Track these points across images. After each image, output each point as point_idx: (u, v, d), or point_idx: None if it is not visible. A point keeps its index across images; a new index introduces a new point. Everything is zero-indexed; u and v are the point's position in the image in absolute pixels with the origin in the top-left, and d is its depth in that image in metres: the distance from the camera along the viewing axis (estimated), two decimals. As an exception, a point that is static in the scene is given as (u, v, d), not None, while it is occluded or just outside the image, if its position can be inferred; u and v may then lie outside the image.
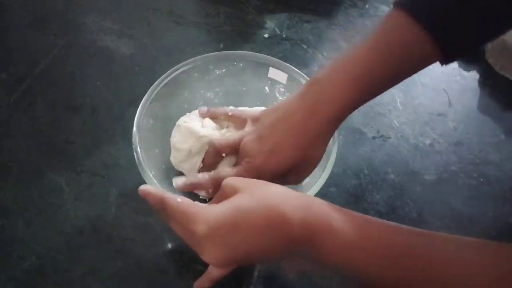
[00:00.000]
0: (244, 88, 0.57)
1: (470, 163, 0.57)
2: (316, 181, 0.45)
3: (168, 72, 0.52)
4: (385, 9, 0.74)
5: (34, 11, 0.73)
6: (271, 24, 0.71)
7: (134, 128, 0.48)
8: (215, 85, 0.56)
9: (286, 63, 0.54)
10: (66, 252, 0.50)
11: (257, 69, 0.55)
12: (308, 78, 0.52)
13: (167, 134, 0.52)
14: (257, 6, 0.73)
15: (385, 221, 0.35)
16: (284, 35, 0.70)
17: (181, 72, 0.53)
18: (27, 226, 0.51)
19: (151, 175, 0.46)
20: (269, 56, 0.54)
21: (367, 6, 0.74)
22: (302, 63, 0.67)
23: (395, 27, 0.40)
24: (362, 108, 0.61)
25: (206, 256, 0.36)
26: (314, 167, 0.45)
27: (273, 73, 0.54)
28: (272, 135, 0.43)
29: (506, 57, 0.65)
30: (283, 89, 0.55)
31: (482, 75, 0.66)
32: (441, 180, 0.56)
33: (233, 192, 0.36)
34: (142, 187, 0.39)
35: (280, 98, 0.56)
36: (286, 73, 0.54)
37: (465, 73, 0.67)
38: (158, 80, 0.52)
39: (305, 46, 0.69)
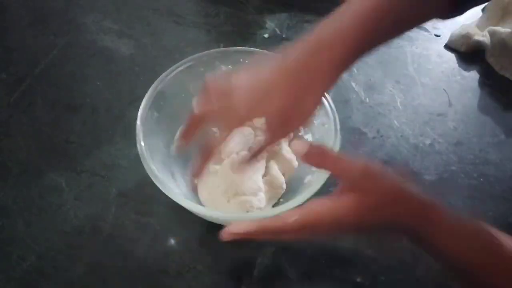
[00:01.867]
0: None
1: (470, 163, 0.57)
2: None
3: (173, 67, 0.52)
4: (385, 9, 0.74)
5: (34, 11, 0.73)
6: (271, 24, 0.71)
7: (138, 121, 0.48)
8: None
9: None
10: (66, 252, 0.50)
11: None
12: None
13: (172, 127, 0.52)
14: (257, 6, 0.73)
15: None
16: (284, 35, 0.70)
17: (187, 67, 0.53)
18: (27, 226, 0.51)
19: (153, 167, 0.45)
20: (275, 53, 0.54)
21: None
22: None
23: None
24: (362, 108, 0.62)
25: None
26: (304, 120, 0.42)
27: None
28: (267, 79, 0.40)
29: (506, 57, 0.65)
30: None
31: (482, 75, 0.66)
32: (441, 180, 0.56)
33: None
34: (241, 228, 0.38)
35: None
36: None
37: (465, 73, 0.67)
38: (164, 74, 0.51)
39: (305, 46, 0.69)
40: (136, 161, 0.56)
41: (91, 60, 0.67)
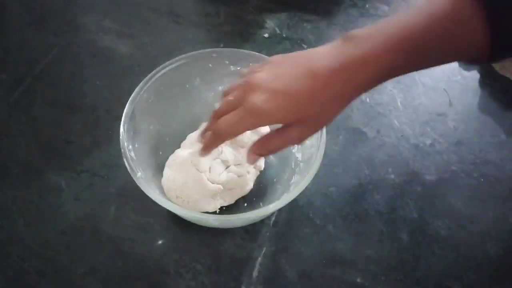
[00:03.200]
0: None
1: (471, 163, 0.57)
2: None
3: (182, 56, 0.52)
4: (385, 8, 0.74)
5: (33, 10, 0.73)
6: (271, 24, 0.71)
7: (130, 98, 0.49)
8: (227, 80, 0.55)
9: None
10: (66, 252, 0.50)
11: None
12: None
13: (165, 114, 0.54)
14: (257, 6, 0.73)
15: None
16: (284, 35, 0.70)
17: (195, 58, 0.53)
18: (27, 226, 0.51)
19: (130, 155, 0.47)
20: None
21: (367, 5, 0.74)
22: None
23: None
24: (362, 108, 0.62)
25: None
26: (321, 127, 0.41)
27: None
28: (290, 77, 0.38)
29: (506, 57, 0.65)
30: None
31: (482, 75, 0.66)
32: (441, 180, 0.56)
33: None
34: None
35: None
36: None
37: (465, 73, 0.66)
38: (174, 59, 0.52)
39: (305, 46, 0.69)
40: (136, 161, 0.56)
41: (91, 60, 0.67)
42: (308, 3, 0.74)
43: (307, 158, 0.49)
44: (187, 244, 0.50)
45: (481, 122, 0.61)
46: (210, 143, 0.44)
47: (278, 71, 0.39)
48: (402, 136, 0.60)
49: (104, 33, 0.70)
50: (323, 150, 0.46)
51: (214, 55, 0.53)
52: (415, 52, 0.37)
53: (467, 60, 0.40)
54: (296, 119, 0.39)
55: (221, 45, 0.68)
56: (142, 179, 0.45)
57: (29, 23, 0.71)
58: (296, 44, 0.69)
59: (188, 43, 0.68)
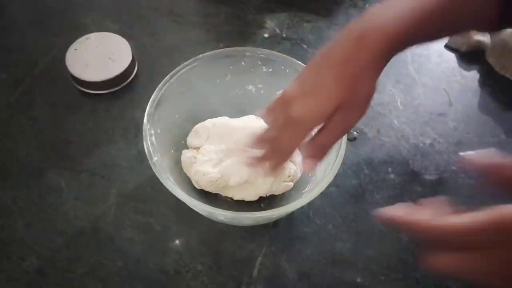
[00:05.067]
0: None
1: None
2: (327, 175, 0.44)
3: (217, 50, 0.53)
4: (385, 9, 0.74)
5: (34, 10, 0.73)
6: (271, 24, 0.71)
7: (159, 85, 0.49)
8: (259, 80, 0.56)
9: None
10: (66, 252, 0.50)
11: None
12: None
13: (192, 105, 0.54)
14: (257, 6, 0.73)
15: None
16: (284, 35, 0.70)
17: (228, 54, 0.53)
18: (27, 226, 0.51)
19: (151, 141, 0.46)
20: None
21: (367, 5, 0.74)
22: (302, 63, 0.66)
23: None
24: (362, 108, 0.62)
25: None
26: (364, 108, 0.41)
27: None
28: (313, 75, 0.39)
29: (506, 57, 0.65)
30: None
31: (482, 75, 0.66)
32: (441, 180, 0.56)
33: None
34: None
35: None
36: None
37: (465, 73, 0.66)
38: (208, 52, 0.52)
39: (305, 46, 0.69)
40: (136, 161, 0.56)
41: (91, 60, 0.67)
42: (308, 3, 0.74)
43: (324, 168, 0.48)
44: (187, 244, 0.50)
45: (481, 122, 0.61)
46: (276, 164, 0.43)
47: (302, 79, 0.40)
48: (402, 136, 0.60)
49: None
50: (340, 164, 0.45)
51: (248, 53, 0.53)
52: (431, 21, 0.38)
53: (477, 30, 0.42)
54: (332, 110, 0.38)
55: (221, 45, 0.68)
56: (158, 164, 0.44)
57: (29, 23, 0.71)
58: (296, 44, 0.69)
59: (188, 43, 0.68)
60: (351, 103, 0.39)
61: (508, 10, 0.38)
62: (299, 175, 0.52)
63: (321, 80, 0.38)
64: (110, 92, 0.62)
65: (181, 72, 0.51)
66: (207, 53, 0.52)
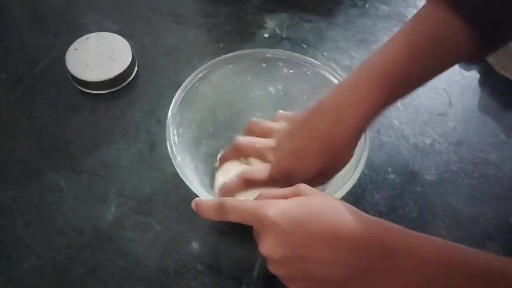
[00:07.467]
0: (304, 97, 0.54)
1: (471, 163, 0.57)
2: (347, 181, 0.44)
3: (239, 52, 0.53)
4: (385, 9, 0.74)
5: (34, 11, 0.73)
6: (271, 24, 0.71)
7: (182, 85, 0.49)
8: (278, 82, 0.56)
9: None
10: (66, 252, 0.50)
11: (321, 85, 0.52)
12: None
13: (212, 105, 0.54)
14: (257, 6, 0.73)
15: (460, 245, 0.32)
16: (284, 35, 0.70)
17: (250, 56, 0.53)
18: (27, 226, 0.51)
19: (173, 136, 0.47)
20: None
21: (367, 5, 0.74)
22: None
23: (426, 20, 0.38)
24: (362, 108, 0.62)
25: (263, 247, 0.34)
26: (341, 170, 0.44)
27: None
28: (297, 141, 0.42)
29: (506, 57, 0.65)
30: None
31: (482, 75, 0.66)
32: (441, 180, 0.56)
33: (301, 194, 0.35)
34: (196, 201, 0.37)
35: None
36: None
37: (465, 73, 0.66)
38: (230, 54, 0.52)
39: (305, 46, 0.69)
40: (136, 161, 0.56)
41: (91, 60, 0.67)
42: (308, 3, 0.74)
43: (344, 173, 0.47)
44: (187, 244, 0.50)
45: (481, 122, 0.61)
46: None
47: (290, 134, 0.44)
48: (402, 136, 0.60)
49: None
50: (361, 171, 0.45)
51: (269, 55, 0.53)
52: (402, 83, 0.39)
53: (465, 62, 0.42)
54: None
55: (221, 45, 0.68)
56: (181, 164, 0.45)
57: (29, 23, 0.71)
58: (296, 44, 0.69)
59: (188, 43, 0.68)
60: (331, 170, 0.44)
61: (487, 35, 0.37)
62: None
63: (307, 151, 0.42)
64: (110, 92, 0.62)
65: (203, 72, 0.51)
66: (230, 54, 0.52)
